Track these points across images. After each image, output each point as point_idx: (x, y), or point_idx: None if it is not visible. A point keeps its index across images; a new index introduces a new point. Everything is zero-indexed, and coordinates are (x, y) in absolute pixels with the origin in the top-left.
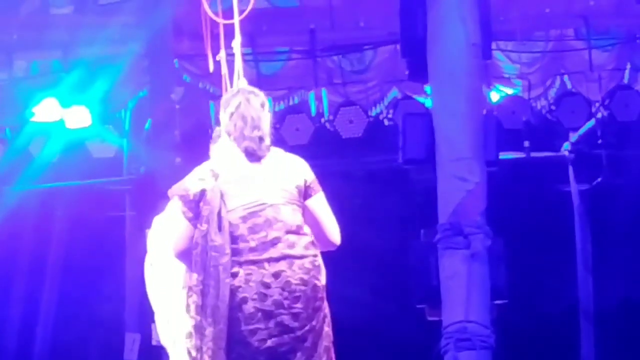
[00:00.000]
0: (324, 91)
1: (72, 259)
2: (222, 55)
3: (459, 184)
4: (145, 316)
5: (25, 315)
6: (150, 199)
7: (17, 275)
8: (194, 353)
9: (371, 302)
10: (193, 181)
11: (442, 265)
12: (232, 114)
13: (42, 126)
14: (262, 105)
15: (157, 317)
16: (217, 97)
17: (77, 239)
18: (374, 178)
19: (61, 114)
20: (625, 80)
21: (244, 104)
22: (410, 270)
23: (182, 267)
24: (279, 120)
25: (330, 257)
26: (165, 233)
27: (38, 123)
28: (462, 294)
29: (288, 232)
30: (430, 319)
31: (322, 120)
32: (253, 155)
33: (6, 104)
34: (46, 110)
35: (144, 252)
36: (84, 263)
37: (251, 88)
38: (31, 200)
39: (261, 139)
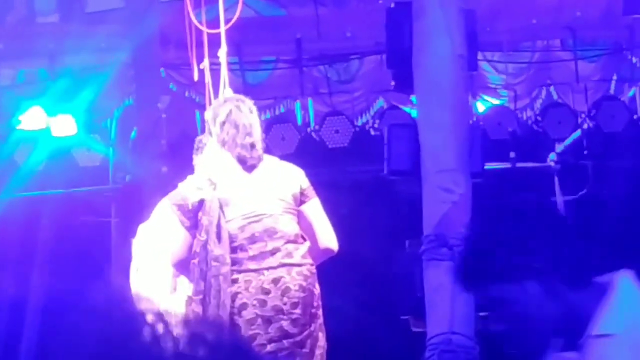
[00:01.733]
0: (310, 101)
1: (58, 266)
2: (205, 64)
3: (444, 195)
4: None
5: (9, 323)
6: (136, 207)
7: (1, 284)
8: None
9: (355, 312)
10: (191, 190)
11: (427, 276)
12: (223, 123)
13: (27, 134)
14: (251, 111)
15: None
16: (204, 106)
17: (62, 246)
18: (360, 188)
19: (47, 123)
20: (612, 91)
21: (234, 112)
22: (395, 281)
23: (168, 272)
24: (265, 129)
25: (315, 267)
26: (152, 239)
27: (24, 131)
28: (447, 305)
29: (287, 241)
30: (414, 330)
31: (308, 129)
32: (244, 163)
33: None
34: (32, 118)
35: (130, 259)
36: (69, 271)
37: (238, 95)
38: (17, 208)
39: (253, 145)
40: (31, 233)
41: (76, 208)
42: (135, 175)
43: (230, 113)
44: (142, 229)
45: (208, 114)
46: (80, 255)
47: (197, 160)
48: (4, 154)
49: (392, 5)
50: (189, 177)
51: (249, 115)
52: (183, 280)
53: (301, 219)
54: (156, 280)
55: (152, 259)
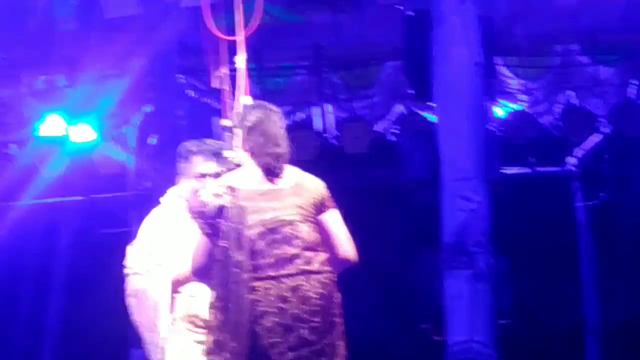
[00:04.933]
0: (329, 107)
1: (77, 274)
2: (224, 72)
3: (463, 203)
4: None
5: (30, 331)
6: None
7: (21, 291)
8: None
9: (374, 321)
10: (211, 197)
11: (446, 285)
12: (250, 129)
13: (47, 141)
14: (280, 122)
15: (145, 345)
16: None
17: (81, 254)
18: (379, 194)
19: (66, 130)
20: (631, 96)
21: (264, 120)
22: (414, 289)
23: (167, 295)
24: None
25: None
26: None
27: (43, 138)
28: (466, 313)
29: (306, 248)
30: (434, 338)
31: (327, 136)
32: (272, 172)
33: (12, 120)
34: (52, 125)
35: None
36: (88, 278)
37: (269, 104)
38: (36, 215)
39: (281, 155)
40: (51, 240)
41: (95, 215)
42: (155, 182)
43: (260, 121)
44: (132, 250)
45: (233, 118)
46: (99, 262)
47: (182, 167)
48: (25, 161)
49: (411, 13)
50: (208, 183)
51: (277, 126)
52: (179, 295)
53: (321, 228)
54: (154, 302)
55: (148, 279)
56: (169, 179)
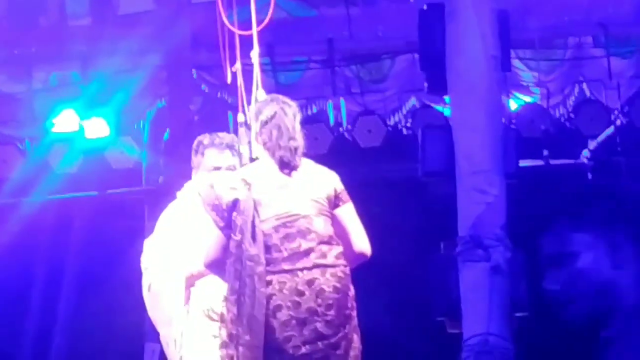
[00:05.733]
0: (342, 101)
1: (90, 269)
2: (237, 67)
3: (479, 196)
4: None
5: (43, 326)
6: None
7: (35, 286)
8: None
9: (390, 314)
10: (225, 190)
11: (462, 278)
12: (265, 123)
13: (61, 137)
14: (295, 116)
15: (162, 339)
16: (236, 108)
17: (95, 249)
18: (393, 188)
19: (80, 125)
20: None
21: (279, 114)
22: (430, 282)
23: (182, 286)
24: None
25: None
26: (163, 253)
27: (57, 134)
28: (483, 306)
29: (321, 242)
30: (450, 331)
31: (341, 129)
32: (287, 165)
33: (25, 116)
34: (65, 121)
35: None
36: (102, 274)
37: (284, 98)
38: (50, 210)
39: (296, 149)
40: (64, 235)
41: (109, 210)
42: (168, 177)
43: (275, 115)
44: (149, 244)
45: (249, 111)
46: (113, 257)
47: (197, 161)
48: (38, 156)
49: (425, 7)
50: (223, 176)
51: (293, 120)
52: (196, 289)
53: (335, 222)
54: (171, 297)
55: (164, 273)
56: (182, 174)
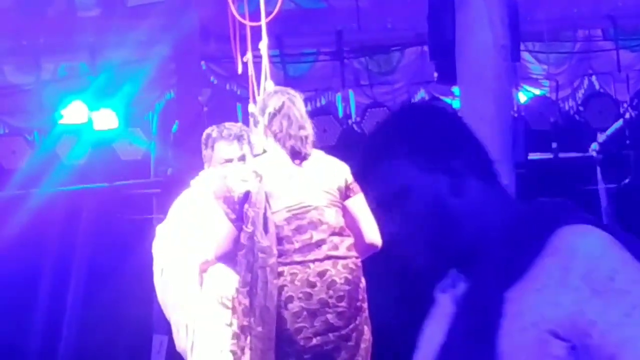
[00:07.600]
0: (351, 93)
1: (99, 261)
2: (249, 57)
3: None
4: None
5: (52, 318)
6: None
7: (44, 277)
8: (239, 353)
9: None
10: (236, 182)
11: None
12: (274, 115)
13: (69, 128)
14: (303, 105)
15: (173, 325)
16: (245, 99)
17: (104, 240)
18: None
19: (89, 116)
20: None
21: (287, 104)
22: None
23: (195, 270)
24: None
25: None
26: (178, 237)
27: (65, 126)
28: None
29: (332, 234)
30: None
31: (350, 121)
32: (298, 155)
33: (34, 107)
34: (74, 112)
35: None
36: (110, 265)
37: (288, 89)
38: (58, 202)
39: (307, 138)
40: (73, 226)
41: (118, 202)
42: (177, 169)
43: (283, 105)
44: (161, 230)
45: (255, 106)
46: (121, 249)
47: (207, 155)
48: (46, 148)
49: None
50: (235, 168)
51: (301, 109)
52: (210, 276)
53: (346, 213)
54: (184, 282)
55: (177, 258)
56: (191, 166)
